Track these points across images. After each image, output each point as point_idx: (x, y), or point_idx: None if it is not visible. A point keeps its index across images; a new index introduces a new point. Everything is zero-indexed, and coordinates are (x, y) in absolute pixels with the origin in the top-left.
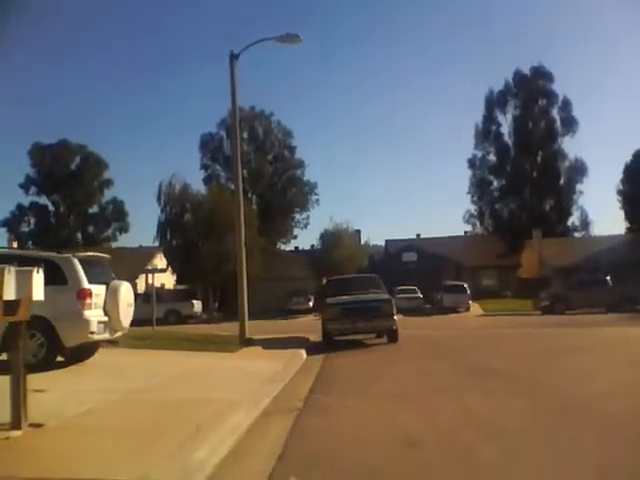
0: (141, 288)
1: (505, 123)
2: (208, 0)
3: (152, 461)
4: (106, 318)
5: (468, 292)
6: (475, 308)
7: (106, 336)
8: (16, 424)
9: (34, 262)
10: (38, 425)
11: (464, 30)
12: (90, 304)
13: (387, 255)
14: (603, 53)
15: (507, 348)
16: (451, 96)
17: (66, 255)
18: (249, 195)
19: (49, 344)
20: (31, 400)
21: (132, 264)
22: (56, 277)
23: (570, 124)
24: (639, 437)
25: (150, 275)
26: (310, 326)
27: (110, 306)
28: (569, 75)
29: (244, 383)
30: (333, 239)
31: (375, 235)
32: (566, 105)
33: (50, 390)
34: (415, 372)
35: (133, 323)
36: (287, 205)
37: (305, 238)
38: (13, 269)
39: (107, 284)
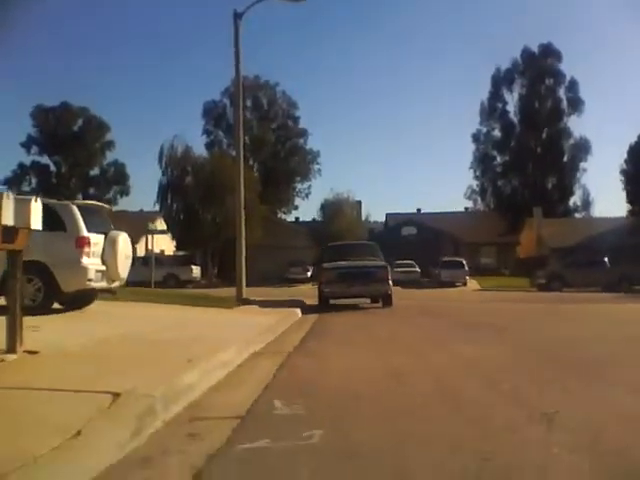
0: (141, 252)
1: (511, 101)
2: None
3: (141, 381)
4: (104, 267)
5: (466, 268)
6: (472, 284)
7: (103, 285)
8: (11, 348)
9: None
10: (33, 352)
11: (472, 7)
12: (88, 252)
13: (387, 229)
14: (611, 34)
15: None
16: (457, 72)
17: (65, 202)
18: (250, 162)
19: (47, 289)
20: (27, 335)
21: (132, 228)
22: (55, 224)
23: (576, 104)
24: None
25: (150, 238)
26: (307, 293)
27: (108, 256)
28: (577, 55)
29: (239, 330)
30: (334, 209)
31: (376, 210)
32: (573, 85)
33: (46, 329)
34: (405, 325)
35: (131, 285)
36: (289, 173)
37: (306, 210)
38: (12, 195)
39: (106, 234)
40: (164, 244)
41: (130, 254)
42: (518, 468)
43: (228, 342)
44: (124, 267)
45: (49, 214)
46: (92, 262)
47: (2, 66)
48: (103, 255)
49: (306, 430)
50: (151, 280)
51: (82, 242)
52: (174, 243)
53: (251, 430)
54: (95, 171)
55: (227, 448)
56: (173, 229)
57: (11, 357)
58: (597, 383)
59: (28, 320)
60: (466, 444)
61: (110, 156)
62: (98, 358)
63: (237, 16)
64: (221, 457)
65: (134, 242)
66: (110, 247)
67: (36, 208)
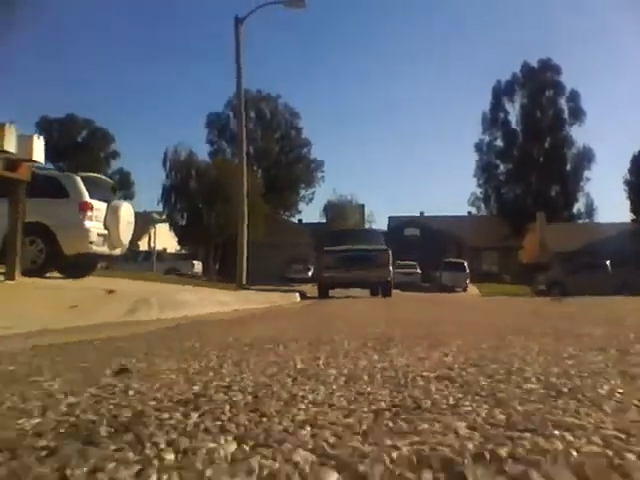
0: (144, 249)
1: (512, 111)
2: None
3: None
4: (106, 232)
5: (467, 270)
6: (472, 289)
7: (105, 250)
8: (10, 276)
9: (38, 180)
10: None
11: (472, 22)
12: (91, 216)
13: (389, 230)
14: (612, 45)
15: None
16: (460, 82)
17: (68, 173)
18: (255, 168)
19: (49, 251)
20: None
21: (136, 226)
22: (59, 192)
23: (578, 114)
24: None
25: (152, 233)
26: (306, 290)
27: (110, 222)
28: (578, 66)
29: (240, 301)
30: (337, 211)
31: (379, 215)
32: (574, 96)
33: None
34: (394, 308)
35: None
36: (293, 180)
37: (310, 213)
38: (13, 126)
39: (108, 202)
40: (167, 242)
41: (132, 220)
42: None
43: (227, 303)
44: (126, 233)
45: (53, 184)
46: (94, 225)
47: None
48: (105, 221)
49: None
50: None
51: (85, 206)
52: (176, 240)
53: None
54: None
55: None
56: (176, 227)
57: (10, 283)
58: None
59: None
60: None
61: (115, 164)
62: (93, 290)
63: (238, 21)
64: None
65: (137, 239)
66: (112, 213)
67: (38, 143)
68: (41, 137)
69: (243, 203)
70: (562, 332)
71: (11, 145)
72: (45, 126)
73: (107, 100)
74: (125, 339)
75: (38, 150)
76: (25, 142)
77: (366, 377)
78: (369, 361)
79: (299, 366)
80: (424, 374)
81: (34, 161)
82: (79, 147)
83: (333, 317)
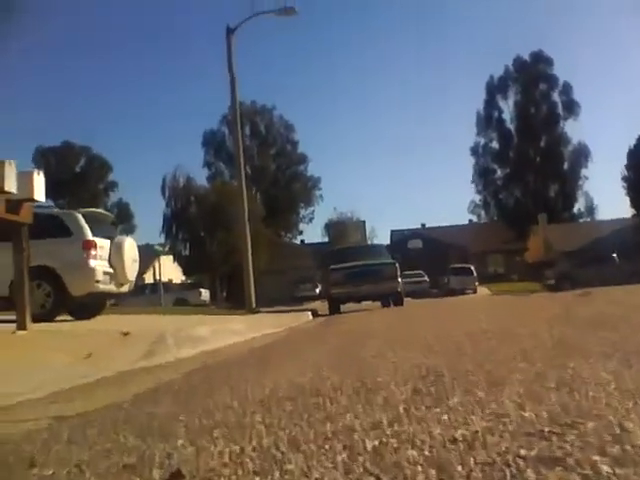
0: (149, 281)
1: (507, 109)
2: None
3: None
4: (111, 270)
5: (475, 274)
6: (482, 290)
7: (112, 288)
8: (22, 325)
9: (38, 218)
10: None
11: (463, 19)
12: (95, 255)
13: (392, 244)
14: (606, 37)
15: None
16: (453, 86)
17: (69, 210)
18: (253, 192)
19: (56, 294)
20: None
21: (140, 261)
22: (61, 231)
23: (572, 107)
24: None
25: (157, 265)
26: (317, 307)
27: (115, 259)
28: (571, 60)
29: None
30: (338, 229)
31: (380, 229)
32: (567, 89)
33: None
34: (413, 319)
35: None
36: (291, 201)
37: (311, 234)
38: (13, 163)
39: (112, 239)
40: (172, 273)
41: (137, 258)
42: None
43: (241, 332)
44: (132, 270)
45: (55, 222)
46: (99, 264)
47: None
48: (110, 259)
49: None
50: (161, 305)
51: (89, 245)
52: (181, 270)
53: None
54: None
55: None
56: (180, 258)
57: (21, 333)
58: None
59: None
60: None
61: (113, 196)
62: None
63: (229, 31)
64: None
65: (142, 272)
66: (117, 250)
67: (39, 180)
68: (41, 173)
69: (245, 227)
70: None
71: (12, 185)
72: (41, 158)
73: (102, 126)
74: (153, 396)
75: (39, 188)
76: (25, 179)
77: (457, 465)
78: (439, 424)
79: (368, 445)
80: (522, 453)
81: (35, 200)
82: (77, 179)
83: (355, 339)
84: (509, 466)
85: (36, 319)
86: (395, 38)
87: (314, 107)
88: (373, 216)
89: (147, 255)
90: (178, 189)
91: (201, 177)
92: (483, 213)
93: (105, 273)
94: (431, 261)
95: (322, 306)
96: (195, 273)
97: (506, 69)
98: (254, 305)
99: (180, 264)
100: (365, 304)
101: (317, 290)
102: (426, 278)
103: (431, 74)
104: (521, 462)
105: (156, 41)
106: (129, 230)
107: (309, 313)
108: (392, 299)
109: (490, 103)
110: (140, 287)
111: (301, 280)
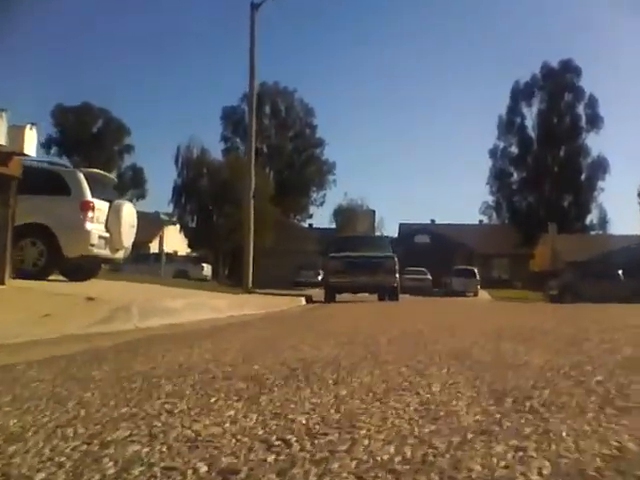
0: (155, 250)
1: (529, 116)
2: None
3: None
4: (107, 234)
5: (478, 277)
6: (484, 294)
7: (107, 253)
8: (0, 280)
9: (39, 175)
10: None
11: (494, 22)
12: (92, 217)
13: (400, 237)
14: (632, 54)
15: None
16: (477, 87)
17: (71, 168)
18: (267, 170)
19: (49, 253)
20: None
21: (147, 227)
22: (60, 188)
23: (595, 121)
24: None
25: (161, 234)
26: (315, 294)
27: (112, 223)
28: (597, 72)
29: (238, 306)
30: (347, 215)
31: (390, 221)
32: (592, 102)
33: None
34: (399, 312)
35: None
36: (304, 183)
37: (319, 218)
38: (5, 115)
39: (110, 202)
40: (178, 245)
41: (135, 223)
42: None
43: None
44: (128, 236)
45: (54, 179)
46: (95, 227)
47: (23, 63)
48: (107, 222)
49: None
50: (159, 275)
51: (86, 206)
52: (187, 243)
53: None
54: (113, 174)
55: None
56: (186, 229)
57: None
58: None
59: None
60: None
61: (128, 159)
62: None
63: (254, 6)
64: None
65: (149, 241)
66: (114, 215)
67: (31, 135)
68: (34, 127)
69: (249, 205)
70: None
71: (1, 137)
72: (60, 115)
73: (122, 91)
74: (64, 359)
75: (30, 142)
76: (16, 133)
77: None
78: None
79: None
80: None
81: (25, 154)
82: (94, 139)
83: (324, 324)
84: None
85: (27, 276)
86: (423, 34)
87: (336, 92)
88: (383, 207)
89: (155, 224)
90: (191, 160)
91: (217, 151)
92: (495, 215)
93: (100, 237)
94: (437, 258)
95: (320, 293)
96: (200, 247)
97: (533, 76)
98: (250, 285)
99: (186, 236)
100: (362, 296)
101: (319, 277)
102: (429, 276)
103: (456, 73)
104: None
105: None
106: (140, 195)
107: (303, 298)
108: (387, 293)
109: (513, 108)
110: (144, 255)
111: (304, 265)
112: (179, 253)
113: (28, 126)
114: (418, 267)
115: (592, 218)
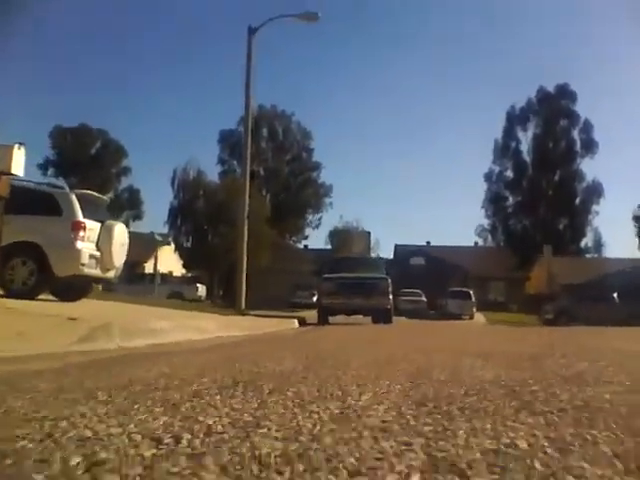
0: (150, 270)
1: (525, 140)
2: None
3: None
4: (98, 253)
5: (473, 299)
6: (479, 317)
7: (98, 273)
8: None
9: (31, 195)
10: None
11: (489, 46)
12: (83, 236)
13: (395, 259)
14: (627, 79)
15: None
16: (473, 111)
17: (63, 189)
18: (263, 193)
19: (40, 272)
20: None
21: (142, 248)
22: (52, 209)
23: (590, 146)
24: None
25: (155, 255)
26: (310, 315)
27: (103, 243)
28: (592, 97)
29: (226, 328)
30: (342, 237)
31: (385, 243)
32: (587, 127)
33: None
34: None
35: None
36: (300, 205)
37: (315, 240)
38: None
39: (102, 222)
40: (173, 265)
41: (126, 243)
42: None
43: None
44: (119, 255)
45: (46, 200)
46: (86, 246)
47: (22, 84)
48: (98, 242)
49: None
50: (154, 296)
51: (77, 226)
52: (182, 263)
53: None
54: (109, 195)
55: None
56: (182, 250)
57: None
58: None
59: None
60: None
61: (125, 181)
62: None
63: (251, 31)
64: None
65: (144, 261)
66: (106, 234)
67: (19, 155)
68: (22, 147)
69: (243, 225)
70: None
71: None
72: (58, 136)
73: (120, 113)
74: (31, 375)
75: (18, 162)
76: (4, 153)
77: None
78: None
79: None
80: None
81: (12, 174)
82: (92, 161)
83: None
84: None
85: (16, 295)
86: (420, 58)
87: (333, 116)
88: (379, 228)
89: (149, 244)
90: (188, 182)
91: (213, 174)
92: (490, 237)
93: (91, 256)
94: (432, 280)
95: (314, 315)
96: (195, 267)
97: (528, 100)
98: (244, 306)
99: (181, 257)
100: (356, 318)
101: (314, 298)
102: (424, 298)
103: (454, 97)
104: None
105: (182, 37)
106: (137, 216)
107: (295, 320)
108: (381, 315)
109: (509, 132)
110: (139, 276)
111: (299, 286)
112: (174, 274)
113: (16, 146)
114: (413, 289)
115: (587, 241)
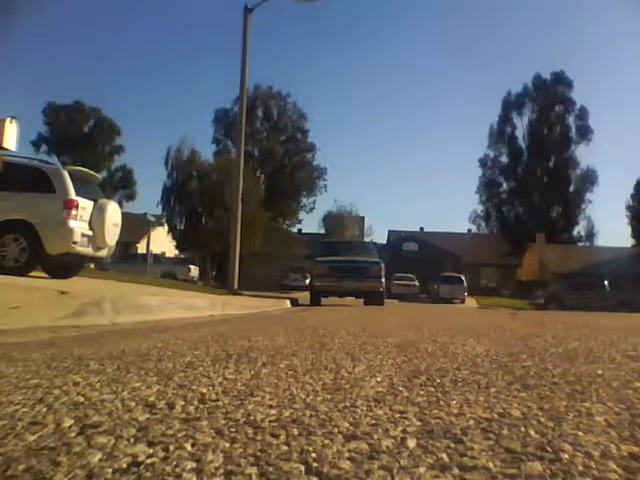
0: (143, 251)
1: (520, 126)
2: None
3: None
4: (91, 232)
5: (465, 284)
6: (470, 301)
7: (90, 251)
8: None
9: (23, 172)
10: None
11: (487, 33)
12: (76, 215)
13: (388, 244)
14: (625, 68)
15: None
16: (469, 97)
17: (56, 166)
18: (258, 174)
19: (31, 249)
20: None
21: (136, 229)
22: (44, 186)
23: (585, 133)
24: None
25: (148, 235)
26: (302, 297)
27: (96, 222)
28: (589, 85)
29: (218, 306)
30: (336, 222)
31: (378, 228)
32: (583, 114)
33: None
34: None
35: None
36: (295, 188)
37: (309, 223)
38: None
39: (95, 201)
40: (166, 246)
41: (119, 223)
42: None
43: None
44: (112, 235)
45: (39, 176)
46: (79, 225)
47: (16, 60)
48: (91, 221)
49: None
50: (144, 275)
51: (70, 204)
52: (175, 244)
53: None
54: (102, 174)
55: None
56: (175, 231)
57: None
58: None
59: None
60: None
61: (118, 160)
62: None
63: (247, 10)
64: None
65: (137, 242)
66: (99, 213)
67: (11, 128)
68: (14, 121)
69: (237, 207)
70: None
71: None
72: (52, 113)
73: (115, 92)
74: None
75: (10, 136)
76: None
77: None
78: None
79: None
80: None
81: (4, 148)
82: (85, 139)
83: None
84: None
85: (8, 272)
86: (416, 42)
87: (328, 98)
88: (373, 214)
89: (143, 225)
90: (181, 161)
91: (208, 153)
92: (483, 224)
93: (83, 235)
94: (424, 265)
95: (306, 297)
96: (188, 248)
97: (525, 86)
98: (236, 287)
99: (174, 237)
100: (349, 300)
101: (307, 281)
102: (416, 282)
103: (449, 83)
104: None
105: (178, 15)
106: (129, 196)
107: (288, 301)
108: (373, 298)
109: (504, 118)
110: (132, 256)
111: (292, 269)
112: (167, 255)
113: (8, 119)
114: (406, 273)
115: (580, 229)
